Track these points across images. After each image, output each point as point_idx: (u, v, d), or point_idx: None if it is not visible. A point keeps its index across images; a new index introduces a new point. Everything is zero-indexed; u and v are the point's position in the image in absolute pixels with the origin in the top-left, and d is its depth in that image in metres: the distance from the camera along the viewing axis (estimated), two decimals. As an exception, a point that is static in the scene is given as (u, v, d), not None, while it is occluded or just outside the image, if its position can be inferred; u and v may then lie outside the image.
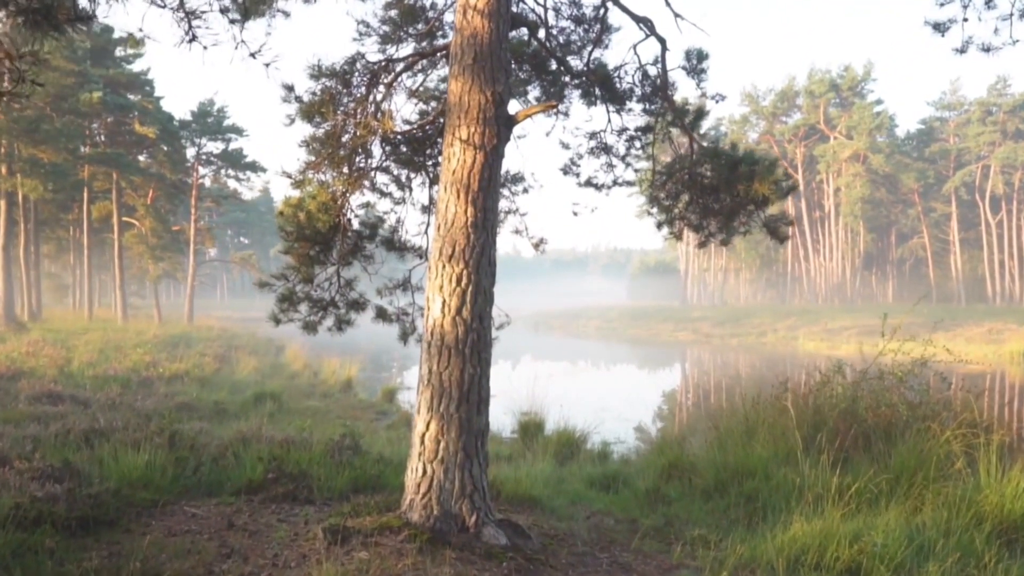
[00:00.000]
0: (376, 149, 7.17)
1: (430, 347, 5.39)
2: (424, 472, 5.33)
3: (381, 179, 7.47)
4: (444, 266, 5.39)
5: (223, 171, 47.53)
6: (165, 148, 38.80)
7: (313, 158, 6.50)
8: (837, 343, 45.83)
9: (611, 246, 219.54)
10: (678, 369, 37.75)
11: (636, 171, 8.31)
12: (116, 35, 37.12)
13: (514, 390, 14.63)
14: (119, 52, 39.62)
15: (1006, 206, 70.62)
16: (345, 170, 6.90)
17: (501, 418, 14.53)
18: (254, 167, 45.28)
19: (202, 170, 45.95)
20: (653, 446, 10.89)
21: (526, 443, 12.01)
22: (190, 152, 44.35)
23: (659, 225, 8.42)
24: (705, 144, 7.18)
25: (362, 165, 7.05)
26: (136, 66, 40.35)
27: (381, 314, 7.39)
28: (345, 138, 6.52)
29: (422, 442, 5.37)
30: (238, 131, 44.28)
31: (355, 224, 7.23)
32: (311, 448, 8.04)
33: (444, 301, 5.35)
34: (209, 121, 43.29)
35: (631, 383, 30.24)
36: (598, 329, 70.31)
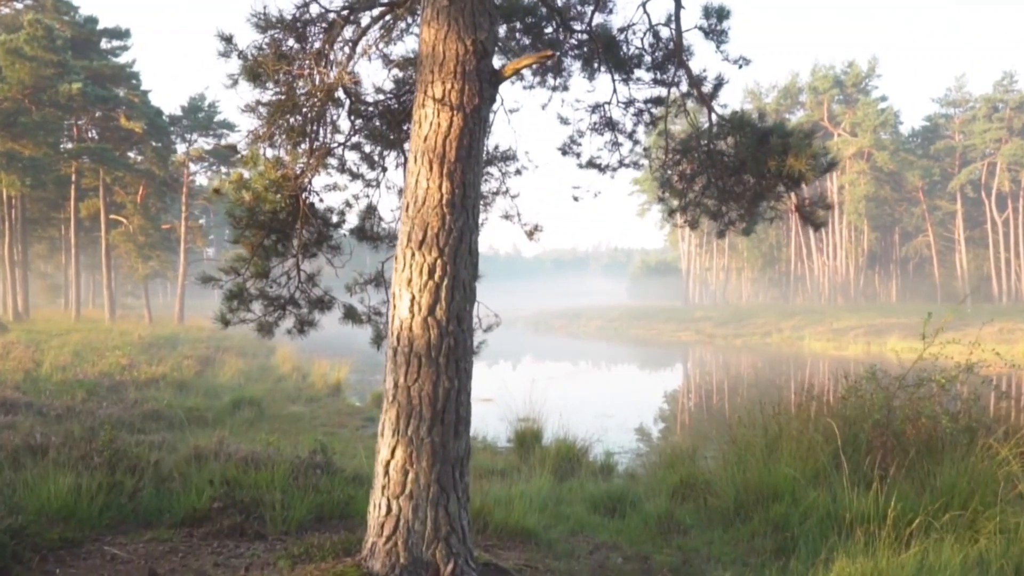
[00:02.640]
0: (344, 122, 6.14)
1: (396, 355, 4.36)
2: (389, 510, 4.30)
3: (350, 157, 6.44)
4: (413, 254, 4.36)
5: (214, 167, 46.34)
6: (154, 144, 37.68)
7: (261, 127, 5.47)
8: (844, 343, 44.83)
9: (612, 246, 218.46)
10: (683, 371, 36.70)
11: (645, 150, 7.27)
12: (101, 26, 36.05)
13: (511, 394, 13.57)
14: (105, 44, 38.52)
15: (1012, 204, 69.55)
16: (305, 145, 5.87)
17: (496, 425, 13.51)
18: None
19: (193, 167, 44.83)
20: (662, 459, 9.85)
21: (522, 455, 11.00)
22: (181, 148, 43.25)
23: (671, 212, 7.40)
24: (728, 115, 6.14)
25: (327, 140, 6.02)
26: (123, 59, 39.29)
27: (350, 314, 6.35)
28: (302, 103, 5.48)
29: (386, 473, 4.34)
30: (230, 127, 43.17)
31: (320, 209, 6.19)
32: (274, 467, 7.00)
33: (413, 298, 4.32)
34: (200, 116, 42.15)
35: (634, 386, 29.20)
36: (599, 329, 69.30)
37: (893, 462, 7.51)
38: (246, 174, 5.34)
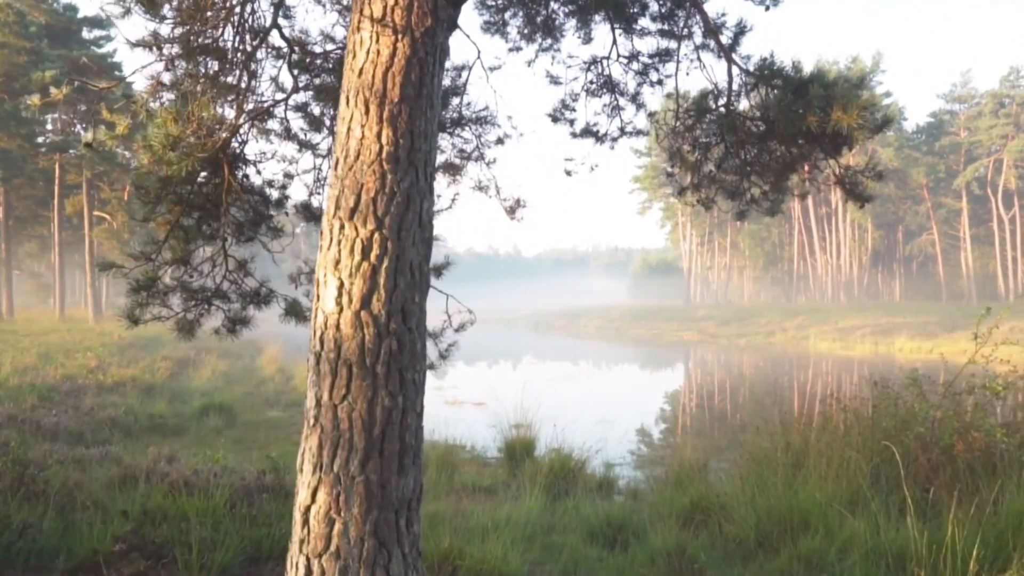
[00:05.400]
0: (286, 76, 5.01)
1: (319, 362, 3.24)
2: (308, 573, 3.17)
3: (295, 121, 5.31)
4: (342, 227, 3.23)
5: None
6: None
7: (160, 69, 4.35)
8: (851, 343, 43.71)
9: (612, 245, 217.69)
10: (687, 372, 35.55)
11: (651, 114, 6.13)
12: (81, 15, 34.84)
13: (507, 398, 12.43)
14: (86, 34, 37.29)
15: (1019, 201, 68.35)
16: (232, 107, 4.74)
17: (485, 433, 12.40)
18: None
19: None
20: (669, 475, 8.72)
21: (512, 468, 9.89)
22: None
23: (681, 191, 6.26)
24: (753, 66, 5.01)
25: (262, 96, 4.89)
26: (106, 48, 38.01)
27: (292, 310, 5.22)
28: (222, 44, 4.36)
29: (305, 523, 3.21)
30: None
31: (256, 183, 5.07)
32: (211, 492, 5.89)
33: (341, 285, 3.20)
34: (189, 111, 40.84)
35: (637, 388, 28.06)
36: (600, 329, 68.22)
37: (943, 484, 6.40)
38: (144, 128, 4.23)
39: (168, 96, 4.41)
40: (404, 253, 3.23)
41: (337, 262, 3.22)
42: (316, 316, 3.28)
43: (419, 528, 3.35)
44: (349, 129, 3.30)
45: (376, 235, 3.19)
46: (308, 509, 3.20)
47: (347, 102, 3.35)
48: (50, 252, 52.11)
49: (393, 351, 3.19)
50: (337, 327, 3.18)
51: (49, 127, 37.31)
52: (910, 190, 74.07)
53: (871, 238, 75.27)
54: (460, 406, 19.59)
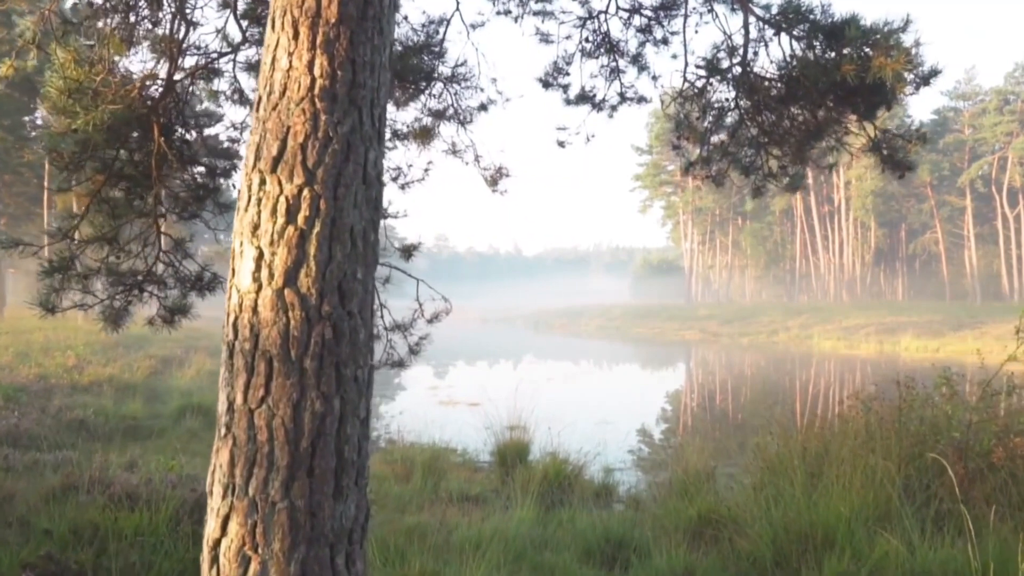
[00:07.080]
0: (234, 28, 4.32)
1: (232, 355, 2.53)
2: (217, 626, 2.47)
3: (245, 80, 4.61)
4: (263, 181, 2.53)
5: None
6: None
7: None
8: (855, 342, 43.04)
9: (613, 244, 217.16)
10: (690, 372, 34.82)
11: (654, 78, 5.42)
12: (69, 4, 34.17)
13: (504, 398, 11.71)
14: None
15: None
16: (165, 60, 4.03)
17: (476, 436, 11.70)
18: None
19: (175, 158, 42.93)
20: (673, 482, 8.01)
21: (504, 474, 9.19)
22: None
23: (688, 167, 5.55)
24: (773, 14, 4.30)
25: (203, 47, 4.18)
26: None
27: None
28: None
29: (215, 560, 2.51)
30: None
31: (196, 147, 4.36)
32: (157, 506, 5.19)
33: (260, 256, 2.50)
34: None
35: (637, 388, 27.33)
36: (600, 328, 67.55)
37: (983, 496, 5.71)
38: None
39: (86, 41, 3.71)
40: (342, 215, 2.53)
41: (256, 227, 2.51)
42: (230, 296, 2.57)
43: (364, 566, 2.64)
44: (274, 59, 2.60)
45: (305, 192, 2.48)
46: (218, 543, 2.50)
47: (271, 26, 2.65)
48: (45, 251, 51.53)
49: (327, 341, 2.48)
50: (254, 310, 2.48)
51: (40, 121, 36.64)
52: (913, 188, 73.30)
53: (874, 236, 74.54)
54: (455, 406, 18.91)
